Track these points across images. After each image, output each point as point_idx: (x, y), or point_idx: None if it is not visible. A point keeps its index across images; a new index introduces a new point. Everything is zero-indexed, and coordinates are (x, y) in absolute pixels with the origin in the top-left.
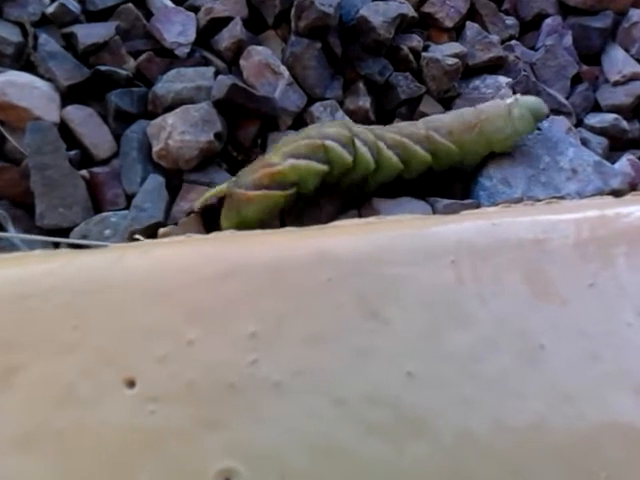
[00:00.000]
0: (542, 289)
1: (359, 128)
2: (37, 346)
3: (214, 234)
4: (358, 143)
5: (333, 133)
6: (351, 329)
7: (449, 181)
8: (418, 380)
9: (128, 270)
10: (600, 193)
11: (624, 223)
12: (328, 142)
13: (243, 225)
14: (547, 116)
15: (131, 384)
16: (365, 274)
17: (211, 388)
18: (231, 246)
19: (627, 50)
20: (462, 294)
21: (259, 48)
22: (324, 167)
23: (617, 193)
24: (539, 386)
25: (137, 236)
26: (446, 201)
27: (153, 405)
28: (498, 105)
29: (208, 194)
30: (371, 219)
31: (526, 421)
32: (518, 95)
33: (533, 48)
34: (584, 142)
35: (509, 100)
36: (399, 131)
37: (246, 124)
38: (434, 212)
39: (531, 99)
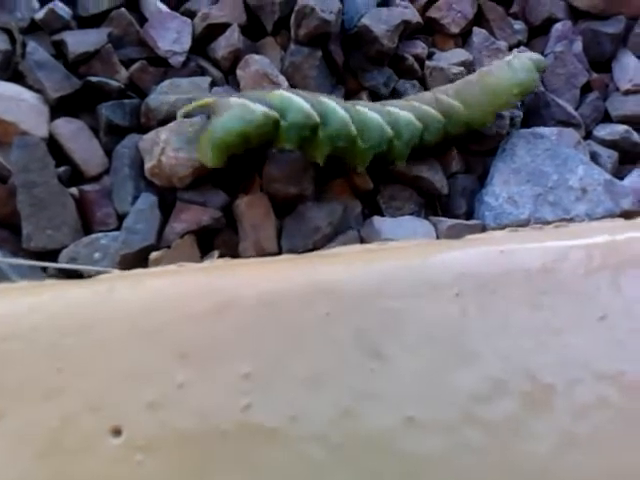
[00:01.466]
0: (551, 323)
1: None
2: (18, 391)
3: (207, 262)
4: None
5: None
6: (350, 369)
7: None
8: (419, 425)
9: (117, 306)
10: (611, 215)
11: (636, 250)
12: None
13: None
14: (544, 70)
15: (117, 432)
16: (365, 308)
17: (202, 436)
18: (225, 278)
19: (639, 57)
20: (467, 329)
21: (257, 57)
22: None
23: (628, 215)
24: (548, 431)
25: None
26: (450, 221)
27: (140, 455)
28: (499, 61)
29: (193, 105)
30: (372, 245)
31: (534, 469)
32: (515, 51)
33: (542, 54)
34: (593, 156)
35: (508, 57)
36: (407, 99)
37: None
38: (437, 233)
39: (530, 53)
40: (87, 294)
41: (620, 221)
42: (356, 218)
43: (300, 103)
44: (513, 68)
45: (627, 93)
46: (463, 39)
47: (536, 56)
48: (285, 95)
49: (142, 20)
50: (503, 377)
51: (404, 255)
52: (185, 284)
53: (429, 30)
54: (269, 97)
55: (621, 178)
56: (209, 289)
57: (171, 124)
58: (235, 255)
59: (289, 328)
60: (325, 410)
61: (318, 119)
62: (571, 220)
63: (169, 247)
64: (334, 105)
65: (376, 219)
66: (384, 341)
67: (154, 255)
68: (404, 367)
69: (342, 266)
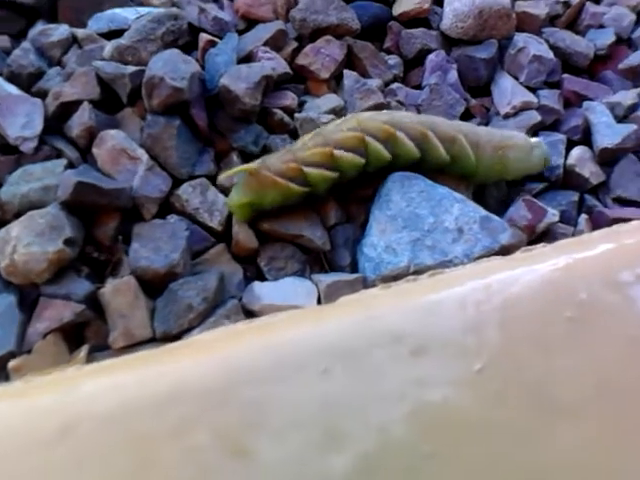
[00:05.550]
0: (426, 383)
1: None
2: None
3: (54, 375)
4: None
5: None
6: (213, 475)
7: None
8: None
9: None
10: (489, 252)
11: (512, 291)
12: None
13: (255, 206)
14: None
15: None
16: (223, 404)
17: None
18: (69, 395)
19: (516, 78)
20: (336, 407)
21: (112, 132)
22: (335, 175)
23: (507, 250)
24: None
25: None
26: (330, 279)
27: None
28: (525, 139)
29: (237, 169)
30: (240, 325)
31: None
32: (541, 139)
33: (419, 87)
34: (479, 186)
35: (534, 139)
36: (422, 122)
37: (103, 220)
38: (319, 292)
39: (545, 147)
40: None
41: (497, 259)
42: (238, 285)
43: None
44: (532, 157)
45: (507, 116)
46: (337, 82)
47: (548, 153)
48: None
49: None
50: (378, 453)
51: (268, 334)
52: (25, 408)
53: (300, 78)
54: None
55: (508, 204)
56: (51, 410)
57: (22, 218)
58: (106, 347)
59: (141, 442)
60: None
61: None
62: (450, 262)
63: (30, 352)
64: None
65: (256, 284)
66: (247, 437)
67: (13, 363)
68: (271, 461)
69: (197, 360)
